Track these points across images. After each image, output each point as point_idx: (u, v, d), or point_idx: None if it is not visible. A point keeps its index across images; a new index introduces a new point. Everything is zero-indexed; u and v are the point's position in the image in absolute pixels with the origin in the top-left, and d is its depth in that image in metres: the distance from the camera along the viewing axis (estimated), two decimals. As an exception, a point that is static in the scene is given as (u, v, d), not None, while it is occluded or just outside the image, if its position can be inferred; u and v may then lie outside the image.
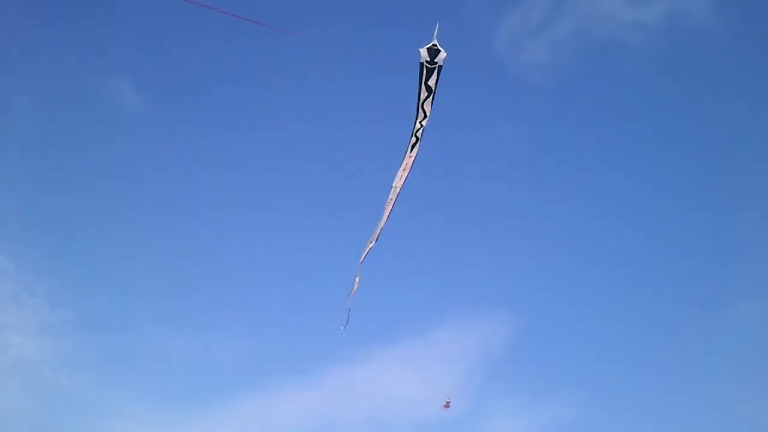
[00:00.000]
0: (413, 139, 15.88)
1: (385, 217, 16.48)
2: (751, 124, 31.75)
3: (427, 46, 14.98)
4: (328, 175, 33.35)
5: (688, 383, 28.38)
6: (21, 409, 27.34)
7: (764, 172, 31.02)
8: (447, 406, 26.09)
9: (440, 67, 15.07)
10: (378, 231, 16.61)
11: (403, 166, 16.11)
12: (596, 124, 32.68)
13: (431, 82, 15.21)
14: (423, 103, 15.54)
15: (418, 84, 15.36)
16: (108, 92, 33.18)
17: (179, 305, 30.51)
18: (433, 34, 14.92)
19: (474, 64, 31.23)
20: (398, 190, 16.27)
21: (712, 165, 32.06)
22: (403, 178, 16.13)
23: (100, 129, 33.22)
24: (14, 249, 29.57)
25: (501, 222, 31.86)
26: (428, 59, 14.98)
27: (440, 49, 14.98)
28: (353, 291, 17.01)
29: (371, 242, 16.75)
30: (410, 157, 16.05)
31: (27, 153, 31.57)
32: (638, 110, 32.70)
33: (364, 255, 16.92)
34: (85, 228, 31.51)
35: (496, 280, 31.02)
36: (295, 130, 34.04)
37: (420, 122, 15.72)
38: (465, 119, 31.38)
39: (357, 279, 16.96)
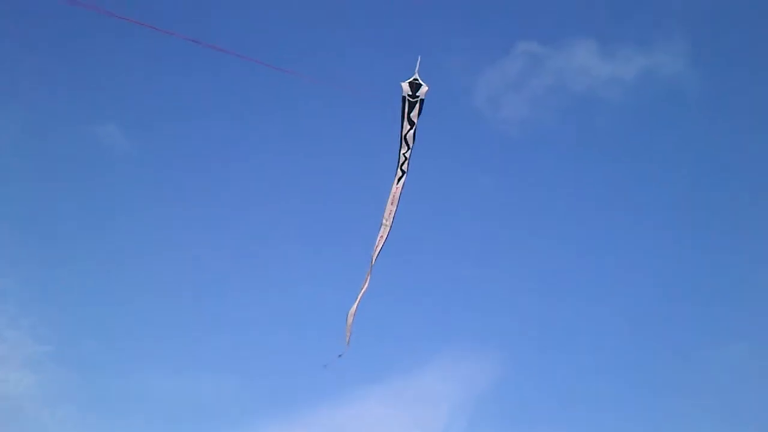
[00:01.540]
0: (399, 172, 16.12)
1: (376, 254, 16.32)
2: (728, 177, 32.96)
3: (409, 80, 15.40)
4: (315, 211, 33.55)
5: (674, 425, 28.57)
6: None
7: (741, 219, 31.96)
8: None
9: (422, 100, 15.44)
10: (370, 269, 16.44)
11: (390, 200, 16.21)
12: (573, 174, 33.89)
13: (413, 116, 15.56)
14: (406, 136, 15.84)
15: (400, 117, 15.68)
16: (97, 137, 33.43)
17: (163, 342, 30.21)
18: (414, 69, 15.39)
19: (454, 118, 32.32)
20: (389, 227, 16.39)
21: (688, 213, 32.99)
22: (393, 213, 16.27)
23: (89, 172, 33.31)
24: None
25: (485, 263, 32.29)
26: (410, 93, 15.39)
27: (422, 83, 15.38)
28: (348, 336, 16.68)
29: (365, 282, 16.56)
30: (397, 188, 16.23)
31: (11, 192, 31.58)
32: (614, 161, 34.00)
33: (360, 295, 16.60)
34: (69, 263, 31.28)
35: (482, 320, 31.20)
36: (287, 166, 34.39)
37: (404, 154, 15.98)
38: (446, 169, 32.35)
39: (351, 318, 16.63)
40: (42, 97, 32.78)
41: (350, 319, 16.34)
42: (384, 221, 16.31)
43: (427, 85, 15.42)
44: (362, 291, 16.34)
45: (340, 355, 16.14)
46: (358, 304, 16.35)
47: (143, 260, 31.70)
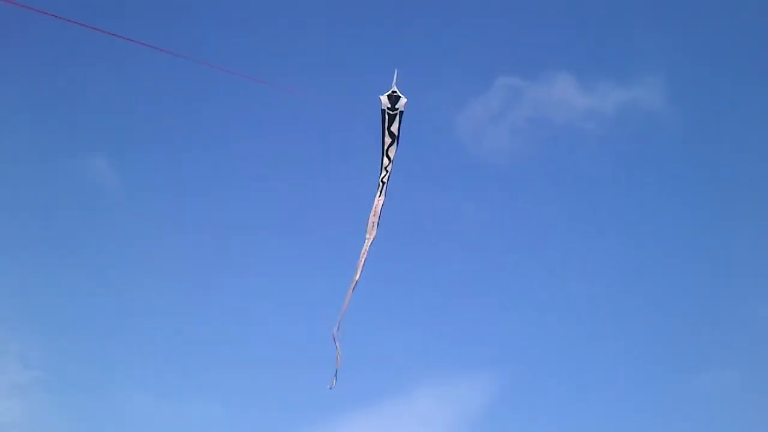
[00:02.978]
0: (380, 185, 16.19)
1: (359, 270, 16.18)
2: (703, 211, 33.80)
3: (387, 93, 15.49)
4: (303, 236, 33.85)
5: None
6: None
7: (718, 252, 32.46)
8: None
9: (401, 112, 15.54)
10: (353, 286, 16.20)
11: (372, 212, 16.26)
12: (554, 201, 34.84)
13: (393, 128, 15.68)
14: (387, 149, 15.96)
15: (381, 131, 15.80)
16: (84, 172, 33.72)
17: (153, 368, 30.25)
18: (392, 81, 15.51)
19: (438, 151, 33.67)
20: (371, 240, 16.20)
21: (664, 243, 33.72)
22: (375, 225, 16.23)
23: (77, 206, 33.60)
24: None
25: (475, 285, 32.76)
26: (389, 106, 15.51)
27: (400, 95, 15.48)
28: (338, 359, 16.68)
29: (347, 299, 16.61)
30: (378, 200, 16.18)
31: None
32: (592, 190, 34.77)
33: (341, 314, 16.69)
34: (58, 290, 31.42)
35: (474, 341, 31.44)
36: (279, 191, 34.82)
37: (385, 168, 16.07)
38: (430, 198, 33.20)
39: (337, 346, 16.62)
40: (21, 128, 33.08)
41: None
42: (367, 234, 16.29)
43: (406, 98, 15.54)
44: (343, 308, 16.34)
45: (330, 387, 16.09)
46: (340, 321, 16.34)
47: (134, 287, 31.81)
